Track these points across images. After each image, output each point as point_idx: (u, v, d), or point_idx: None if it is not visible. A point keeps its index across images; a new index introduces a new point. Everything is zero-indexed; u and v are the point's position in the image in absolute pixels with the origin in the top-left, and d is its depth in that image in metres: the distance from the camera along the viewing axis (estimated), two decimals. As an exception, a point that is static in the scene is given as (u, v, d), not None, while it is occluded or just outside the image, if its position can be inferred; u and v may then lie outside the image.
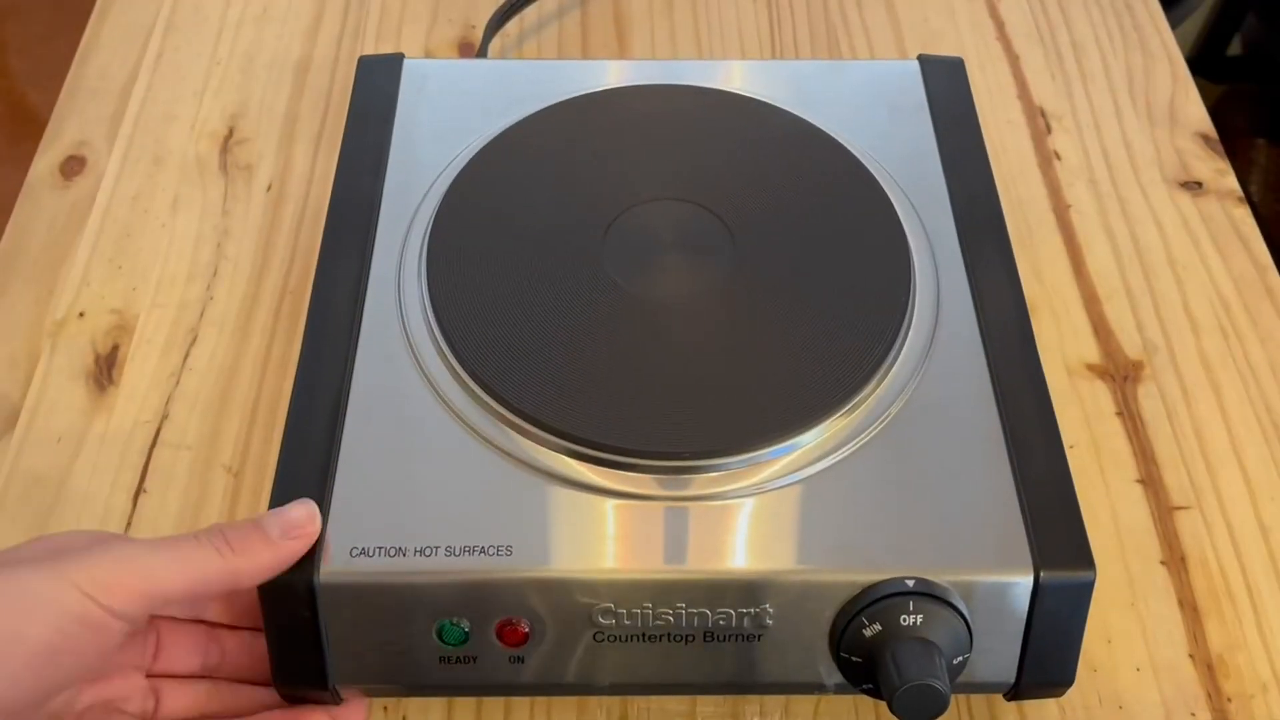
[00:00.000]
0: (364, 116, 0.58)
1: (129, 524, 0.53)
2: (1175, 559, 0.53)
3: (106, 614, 0.38)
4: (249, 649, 0.46)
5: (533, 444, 0.46)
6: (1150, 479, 0.55)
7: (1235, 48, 1.35)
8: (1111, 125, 0.70)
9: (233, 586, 0.41)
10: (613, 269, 0.51)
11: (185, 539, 0.40)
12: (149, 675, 0.44)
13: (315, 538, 0.43)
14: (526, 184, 0.55)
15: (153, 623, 0.45)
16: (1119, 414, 0.58)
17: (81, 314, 0.61)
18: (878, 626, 0.42)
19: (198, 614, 0.46)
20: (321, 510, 0.43)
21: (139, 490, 0.54)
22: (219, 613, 0.46)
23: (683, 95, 0.59)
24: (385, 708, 0.49)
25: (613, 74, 0.61)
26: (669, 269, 0.51)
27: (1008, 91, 0.72)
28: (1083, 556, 0.43)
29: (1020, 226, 0.65)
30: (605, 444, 0.45)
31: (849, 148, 0.56)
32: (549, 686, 0.45)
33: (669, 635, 0.43)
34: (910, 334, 0.49)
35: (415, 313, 0.50)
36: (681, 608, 0.43)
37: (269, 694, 0.46)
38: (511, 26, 0.75)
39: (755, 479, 0.45)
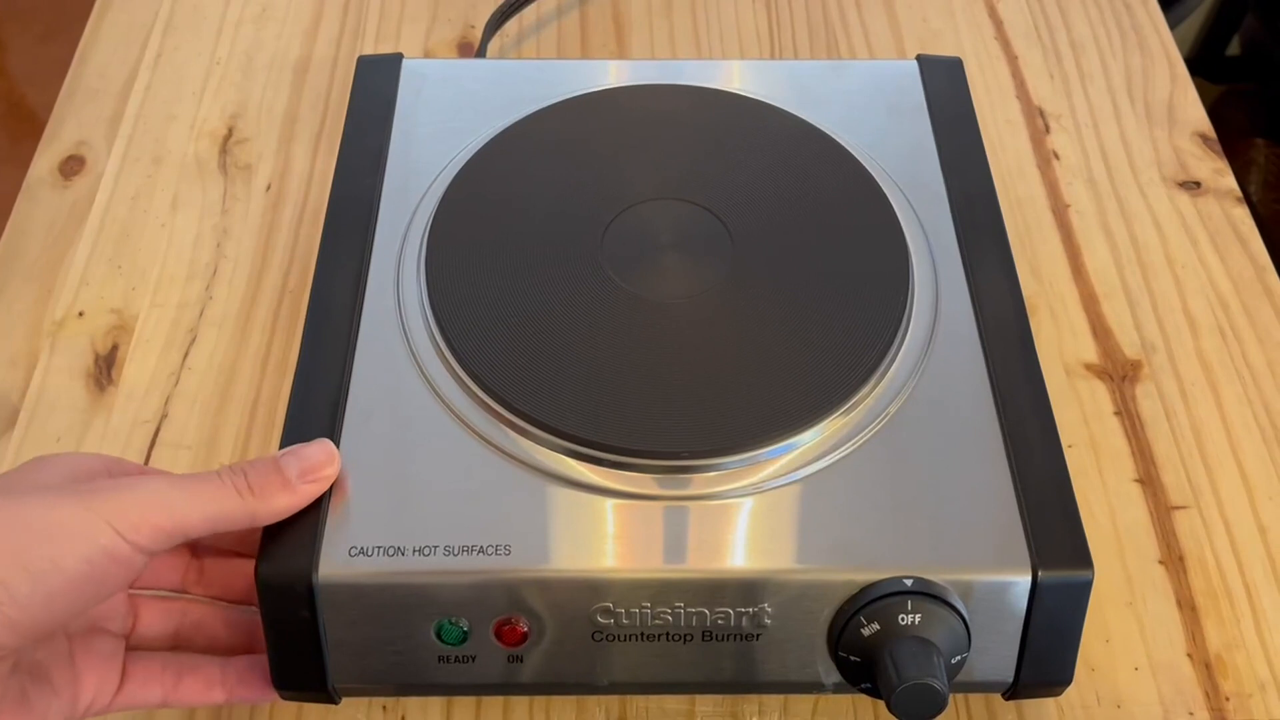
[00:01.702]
0: (363, 116, 0.58)
1: (128, 523, 0.53)
2: (1173, 558, 0.53)
3: (133, 550, 0.39)
4: (226, 568, 0.47)
5: (531, 443, 0.46)
6: (1148, 479, 0.55)
7: (1234, 48, 1.35)
8: (1110, 125, 0.70)
9: (249, 526, 0.42)
10: (612, 268, 0.51)
11: (208, 477, 0.41)
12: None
13: (333, 480, 0.44)
14: (525, 184, 0.55)
15: None
16: (1117, 413, 0.58)
17: (81, 314, 0.61)
18: (876, 626, 0.42)
19: None
20: (320, 510, 0.43)
21: (138, 490, 0.54)
22: None
23: (682, 95, 0.59)
24: (385, 707, 0.49)
25: (612, 74, 0.61)
26: (668, 269, 0.51)
27: (1006, 91, 0.72)
28: (1081, 556, 0.43)
29: (1019, 226, 0.65)
30: (604, 443, 0.45)
31: (848, 148, 0.56)
32: (548, 686, 0.45)
33: (668, 635, 0.43)
34: (909, 333, 0.49)
35: (414, 312, 0.50)
36: (680, 607, 0.43)
37: (244, 613, 0.46)
38: (511, 26, 0.75)
39: (754, 478, 0.45)
